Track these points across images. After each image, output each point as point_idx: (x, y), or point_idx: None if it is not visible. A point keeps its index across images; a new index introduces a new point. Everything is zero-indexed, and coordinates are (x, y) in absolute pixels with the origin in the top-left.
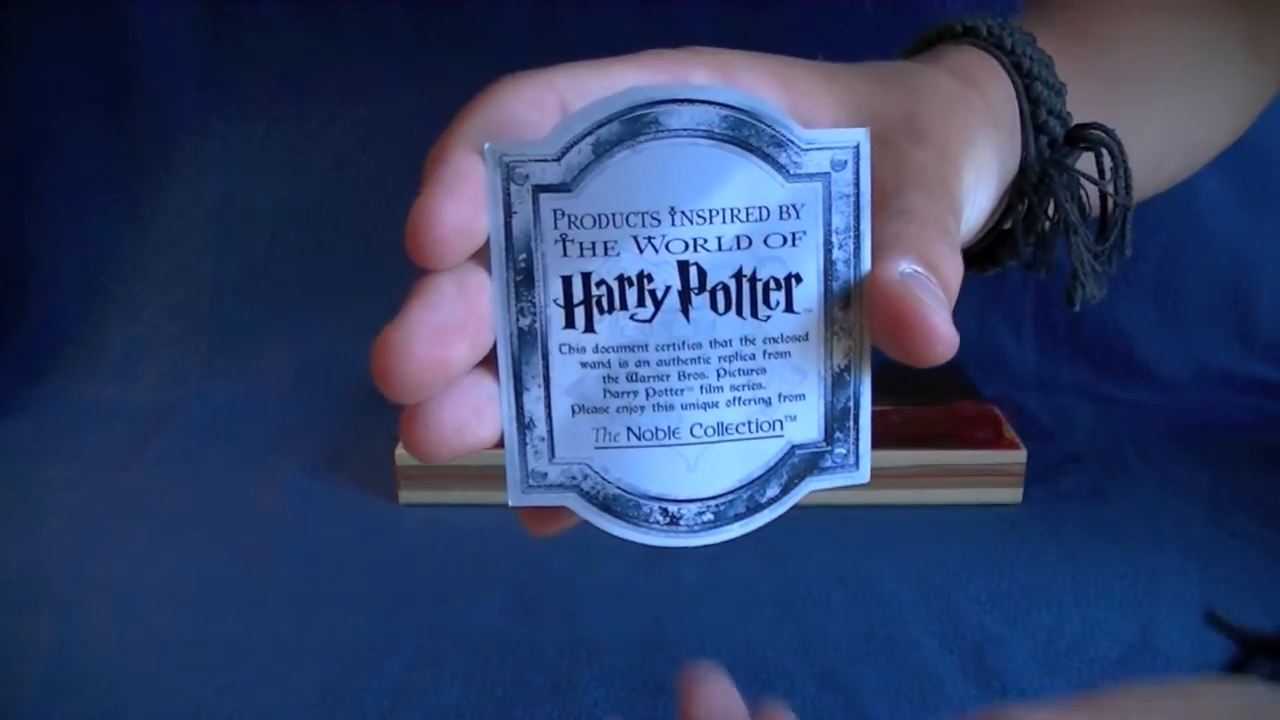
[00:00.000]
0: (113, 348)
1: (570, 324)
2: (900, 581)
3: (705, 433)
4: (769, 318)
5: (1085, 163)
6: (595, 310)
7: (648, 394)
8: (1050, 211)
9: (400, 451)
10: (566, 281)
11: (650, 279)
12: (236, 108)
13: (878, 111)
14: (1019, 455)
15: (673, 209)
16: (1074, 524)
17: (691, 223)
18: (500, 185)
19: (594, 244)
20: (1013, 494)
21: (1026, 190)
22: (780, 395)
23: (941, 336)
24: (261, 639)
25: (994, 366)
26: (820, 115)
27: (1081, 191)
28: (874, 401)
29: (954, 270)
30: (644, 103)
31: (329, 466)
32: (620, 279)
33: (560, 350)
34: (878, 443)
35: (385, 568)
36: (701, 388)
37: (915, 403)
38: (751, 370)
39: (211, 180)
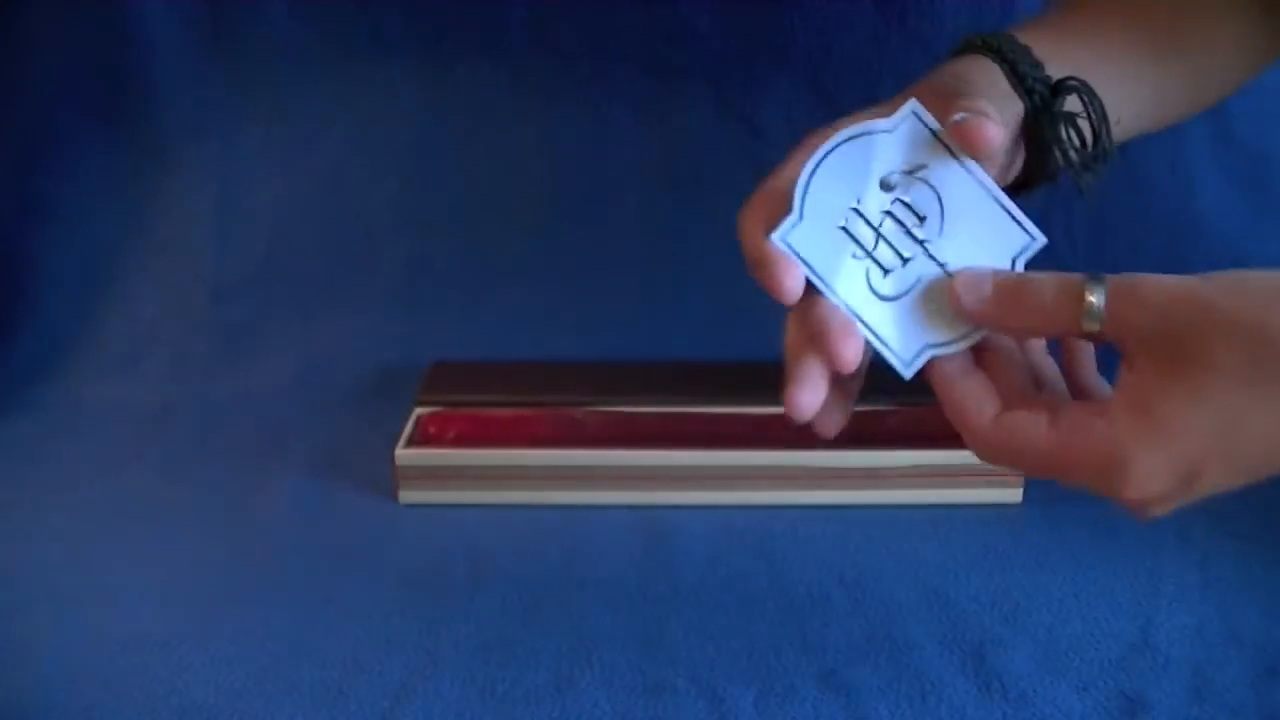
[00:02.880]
0: (113, 348)
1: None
2: (900, 581)
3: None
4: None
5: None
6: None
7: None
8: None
9: (400, 451)
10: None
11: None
12: (236, 108)
13: (930, 85)
14: None
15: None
16: (1074, 524)
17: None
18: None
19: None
20: (1013, 494)
21: (1032, 131)
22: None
23: (983, 128)
24: (261, 639)
25: None
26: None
27: (1078, 129)
28: (874, 402)
29: (993, 112)
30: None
31: (329, 466)
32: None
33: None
34: (878, 443)
35: (385, 568)
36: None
37: (915, 403)
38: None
39: (211, 180)
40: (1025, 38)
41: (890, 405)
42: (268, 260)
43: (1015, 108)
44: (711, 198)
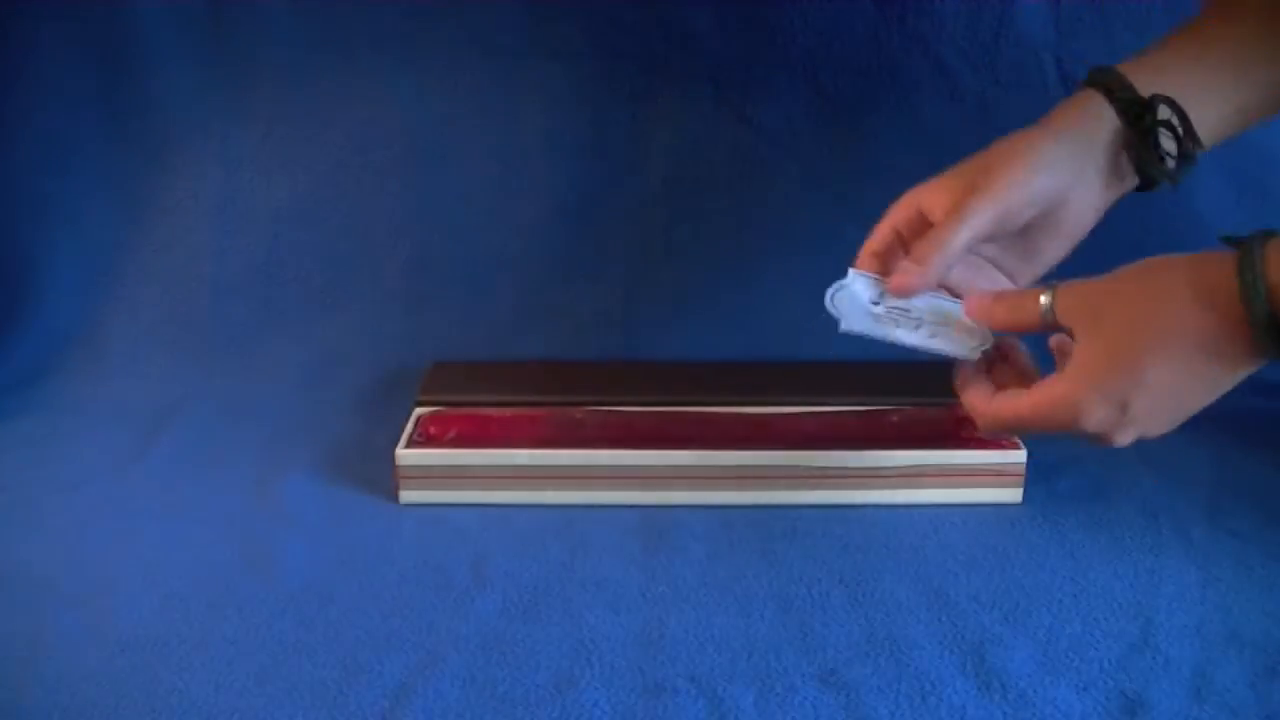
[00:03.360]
0: (113, 348)
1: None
2: (900, 581)
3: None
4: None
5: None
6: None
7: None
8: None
9: (400, 451)
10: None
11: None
12: (236, 108)
13: (960, 170)
14: (1019, 455)
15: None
16: (1074, 524)
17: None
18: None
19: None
20: (1013, 494)
21: (1129, 142)
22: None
23: (902, 283)
24: (261, 639)
25: None
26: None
27: (1173, 130)
28: (874, 401)
29: (921, 253)
30: None
31: (329, 466)
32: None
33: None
34: (878, 443)
35: (385, 568)
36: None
37: (915, 403)
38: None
39: (211, 180)
40: (1127, 67)
41: (890, 405)
42: (268, 260)
43: (1113, 124)
44: (711, 198)
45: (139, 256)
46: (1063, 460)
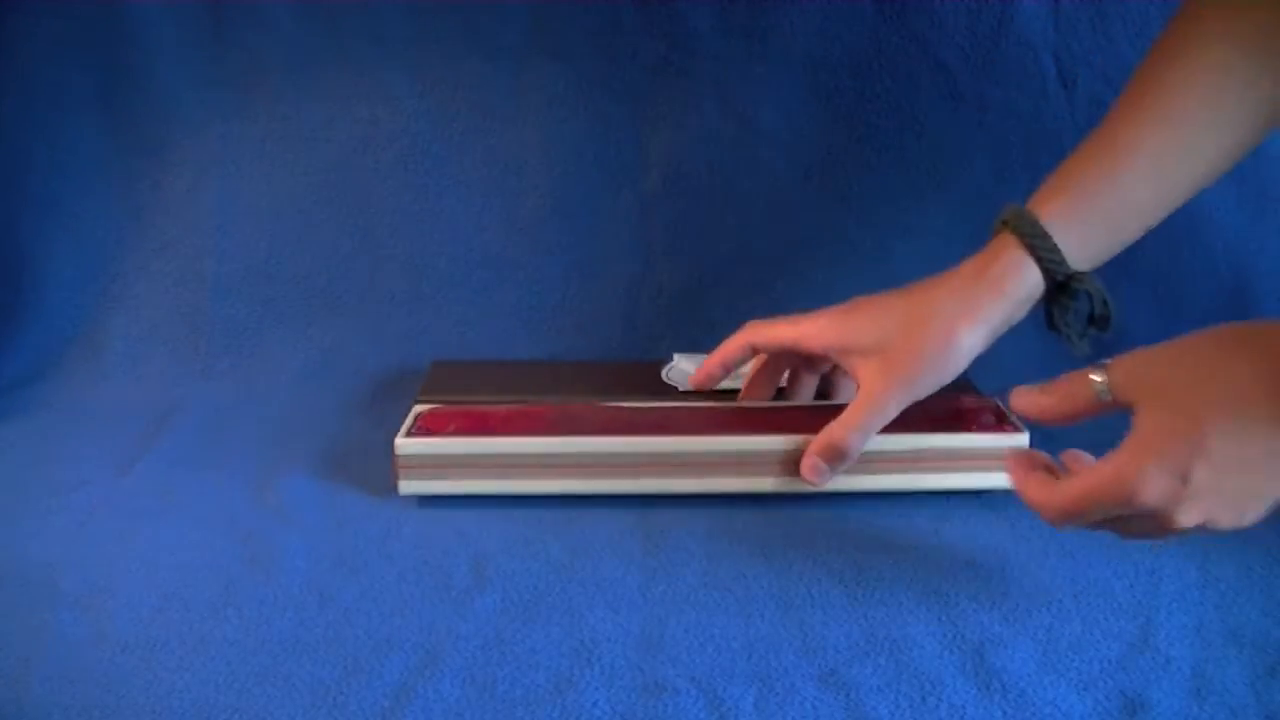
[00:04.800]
0: (113, 348)
1: None
2: (900, 581)
3: None
4: None
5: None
6: None
7: None
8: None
9: (400, 440)
10: None
11: None
12: (236, 108)
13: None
14: (1021, 439)
15: None
16: None
17: None
18: None
19: None
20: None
21: (1048, 304)
22: None
23: (808, 474)
24: (261, 639)
25: (994, 366)
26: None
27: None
28: None
29: (831, 437)
30: None
31: (329, 466)
32: None
33: None
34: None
35: (385, 567)
36: None
37: None
38: None
39: (211, 180)
40: (1046, 206)
41: None
42: (268, 260)
43: (1038, 291)
44: (711, 198)
45: (139, 256)
46: None
